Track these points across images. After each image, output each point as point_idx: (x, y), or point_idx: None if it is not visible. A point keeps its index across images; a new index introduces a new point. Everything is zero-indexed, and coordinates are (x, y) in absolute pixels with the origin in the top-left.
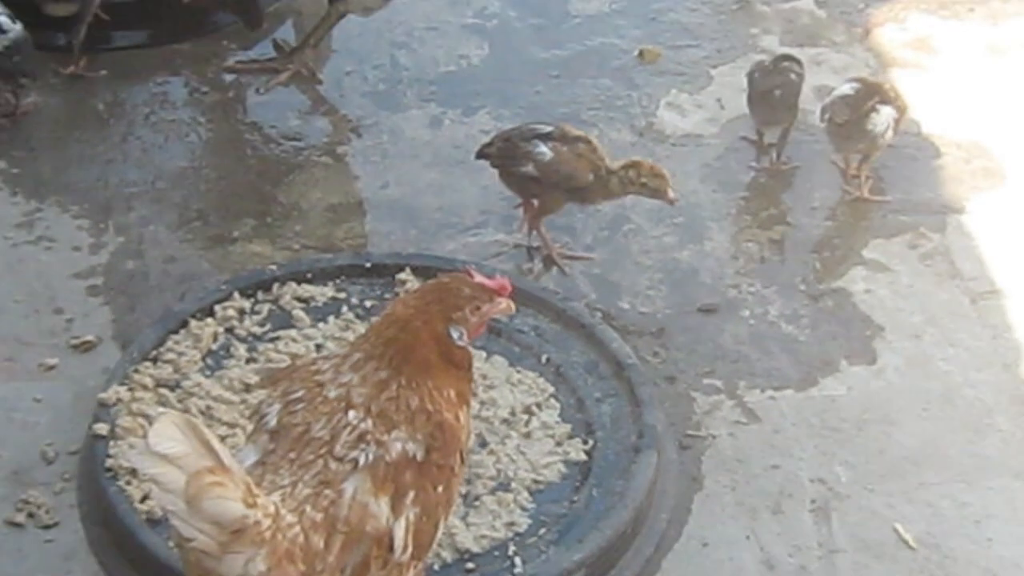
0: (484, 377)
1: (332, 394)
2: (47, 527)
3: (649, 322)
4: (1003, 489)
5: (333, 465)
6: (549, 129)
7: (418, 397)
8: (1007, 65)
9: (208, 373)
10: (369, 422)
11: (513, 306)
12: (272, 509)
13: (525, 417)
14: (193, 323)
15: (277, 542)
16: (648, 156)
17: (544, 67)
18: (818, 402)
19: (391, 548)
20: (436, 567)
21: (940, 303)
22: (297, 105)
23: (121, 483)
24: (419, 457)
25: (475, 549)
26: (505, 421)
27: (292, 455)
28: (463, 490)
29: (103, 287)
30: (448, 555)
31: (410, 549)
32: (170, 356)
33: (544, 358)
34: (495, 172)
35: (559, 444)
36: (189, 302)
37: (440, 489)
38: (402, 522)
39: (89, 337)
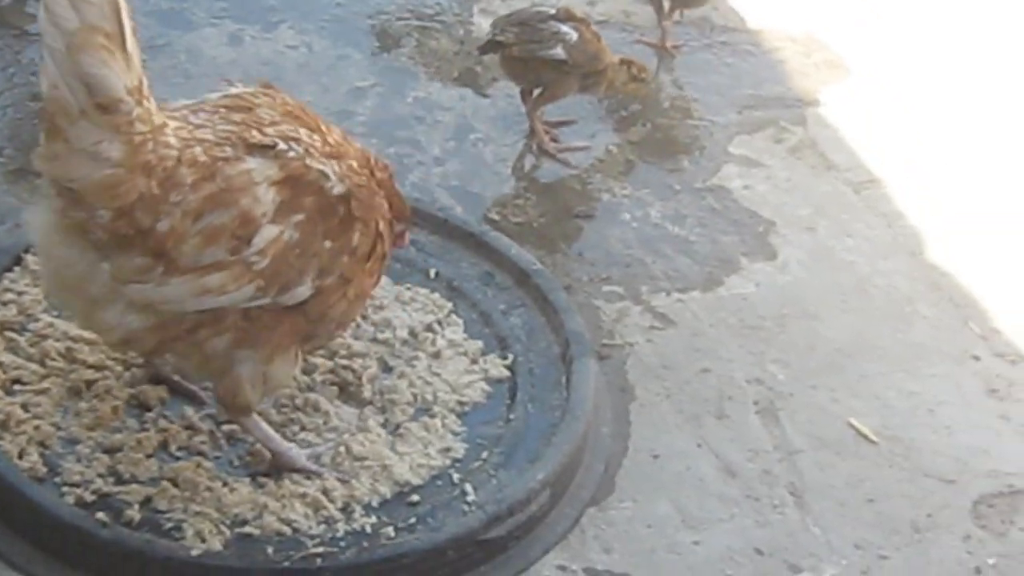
0: (370, 297)
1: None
2: None
3: (527, 232)
4: (946, 375)
5: (253, 135)
6: (554, 10)
7: (363, 176)
8: None
9: (57, 312)
10: (314, 138)
11: None
12: (159, 122)
13: (429, 336)
14: (29, 258)
15: (141, 148)
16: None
17: None
18: (729, 301)
19: (250, 240)
20: (375, 503)
21: (824, 195)
22: None
23: None
24: (334, 192)
25: (414, 480)
26: (406, 343)
27: (222, 111)
28: (380, 414)
29: None
30: (386, 489)
31: (264, 263)
32: (9, 296)
33: (432, 272)
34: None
35: (474, 362)
36: (17, 237)
37: (328, 245)
38: (275, 230)
39: None
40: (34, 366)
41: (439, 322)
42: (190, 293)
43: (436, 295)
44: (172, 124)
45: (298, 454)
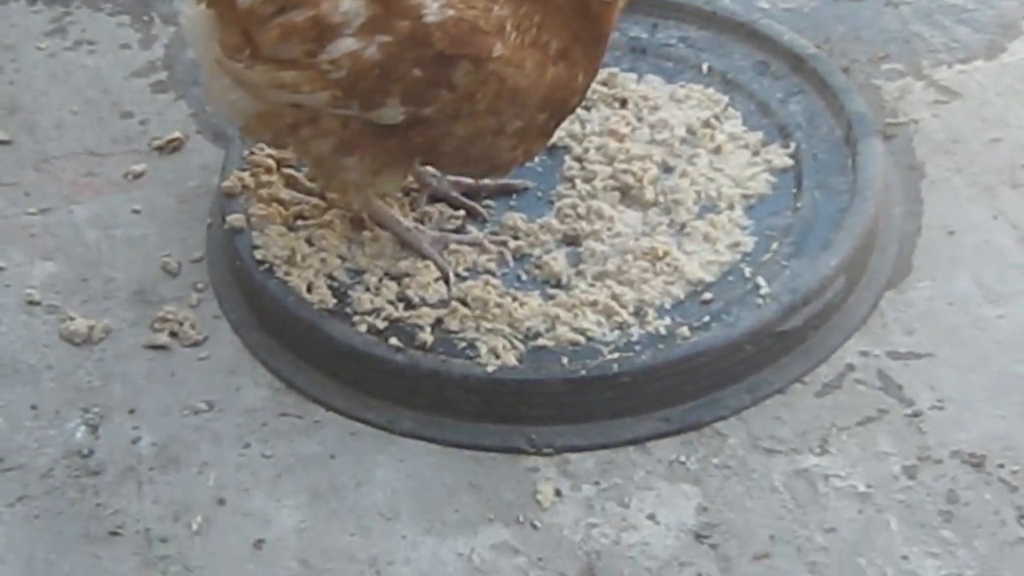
0: (645, 99)
1: None
2: (196, 344)
3: (798, 18)
4: None
5: None
6: None
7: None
8: None
9: None
10: None
11: None
12: None
13: (707, 132)
14: None
15: None
16: None
17: None
18: (1015, 67)
19: (324, 47)
20: (668, 305)
21: None
22: None
23: (280, 275)
24: (428, 19)
25: (707, 278)
26: (684, 141)
27: None
28: (665, 215)
29: (170, 81)
30: (679, 290)
31: (340, 74)
32: None
33: (705, 67)
34: None
35: (756, 153)
36: None
37: (418, 73)
38: (353, 43)
39: (175, 135)
40: (315, 200)
41: (716, 117)
42: (269, 83)
43: (711, 90)
44: None
45: (420, 238)
